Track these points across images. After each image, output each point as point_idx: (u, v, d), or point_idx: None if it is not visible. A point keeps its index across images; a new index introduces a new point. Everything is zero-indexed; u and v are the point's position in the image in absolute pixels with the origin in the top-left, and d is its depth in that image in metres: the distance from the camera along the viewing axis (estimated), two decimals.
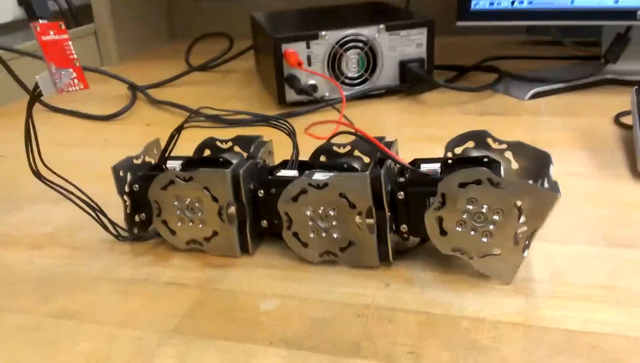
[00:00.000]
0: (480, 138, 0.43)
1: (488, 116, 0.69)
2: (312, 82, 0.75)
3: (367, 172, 0.37)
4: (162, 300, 0.38)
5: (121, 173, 0.43)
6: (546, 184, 0.37)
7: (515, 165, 0.42)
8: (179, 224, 0.42)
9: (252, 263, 0.41)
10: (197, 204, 0.41)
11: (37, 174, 0.41)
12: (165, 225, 0.42)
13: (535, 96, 0.74)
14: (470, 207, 0.36)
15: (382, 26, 0.75)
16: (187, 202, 0.41)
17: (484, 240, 0.36)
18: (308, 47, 0.74)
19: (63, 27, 0.38)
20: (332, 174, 0.38)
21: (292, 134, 0.44)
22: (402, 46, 0.77)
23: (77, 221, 0.47)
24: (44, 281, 0.41)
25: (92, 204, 0.43)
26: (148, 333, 0.35)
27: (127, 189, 0.43)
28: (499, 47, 0.99)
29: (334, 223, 0.39)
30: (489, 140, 0.43)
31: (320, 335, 0.33)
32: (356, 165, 0.43)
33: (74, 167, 0.61)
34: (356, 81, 0.77)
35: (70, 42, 0.38)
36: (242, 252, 0.42)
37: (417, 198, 0.38)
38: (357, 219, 0.38)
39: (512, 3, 0.72)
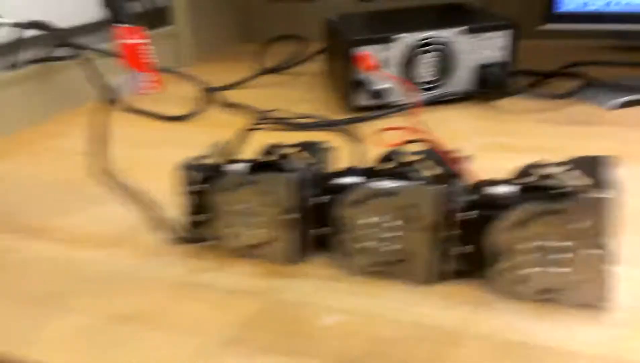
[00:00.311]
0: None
1: (571, 126, 0.64)
2: (385, 86, 0.74)
3: (442, 186, 0.36)
4: (224, 308, 0.37)
5: (187, 173, 0.43)
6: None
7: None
8: (239, 228, 0.42)
9: (318, 274, 0.40)
10: (258, 209, 0.40)
11: (106, 173, 0.41)
12: (226, 228, 0.42)
13: (624, 105, 0.68)
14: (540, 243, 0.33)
15: (462, 28, 0.72)
16: (248, 206, 0.40)
17: (566, 270, 0.33)
18: (383, 49, 0.73)
19: (142, 32, 0.38)
20: (401, 182, 0.37)
21: (357, 140, 0.43)
22: (482, 49, 0.74)
23: (143, 223, 0.48)
24: (108, 282, 0.41)
25: (152, 204, 0.43)
26: (209, 342, 0.34)
27: (191, 189, 0.43)
28: (584, 53, 0.94)
29: (396, 234, 0.37)
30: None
31: (384, 356, 0.32)
32: (424, 175, 0.41)
33: (145, 167, 0.62)
34: (431, 85, 0.75)
35: (149, 46, 0.38)
36: (300, 259, 0.41)
37: (488, 221, 0.35)
38: (421, 233, 0.36)
39: (608, 4, 0.67)
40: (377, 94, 0.71)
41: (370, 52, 0.72)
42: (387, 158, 0.43)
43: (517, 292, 0.35)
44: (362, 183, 0.38)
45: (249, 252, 0.42)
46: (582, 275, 0.33)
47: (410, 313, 0.35)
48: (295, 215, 0.40)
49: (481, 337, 0.33)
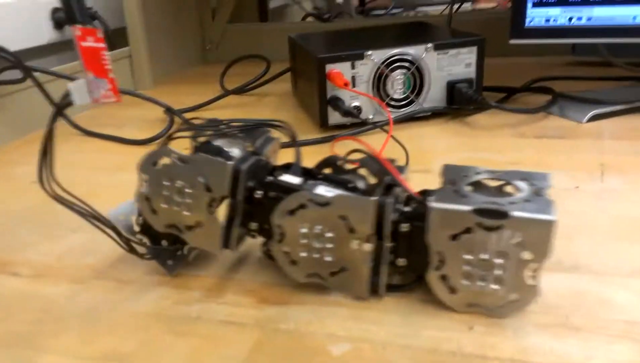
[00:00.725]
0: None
1: (546, 139, 0.65)
2: (355, 103, 0.72)
3: (375, 198, 0.34)
4: (219, 342, 0.34)
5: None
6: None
7: None
8: (163, 205, 0.39)
9: (315, 300, 0.37)
10: (187, 191, 0.38)
11: (55, 197, 0.37)
12: (147, 202, 0.39)
13: (594, 118, 0.69)
14: (469, 257, 0.33)
15: (430, 45, 0.72)
16: (178, 185, 0.38)
17: (496, 287, 0.33)
18: (353, 67, 0.71)
19: (100, 35, 0.35)
20: (336, 192, 0.36)
21: (294, 138, 0.41)
22: (450, 65, 0.74)
23: (120, 252, 0.44)
24: (88, 318, 0.37)
25: (107, 223, 0.39)
26: None
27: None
28: (543, 69, 0.96)
29: (329, 245, 0.36)
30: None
31: None
32: (361, 185, 0.40)
33: (111, 191, 0.58)
34: (402, 103, 0.74)
35: (106, 52, 0.36)
36: (223, 248, 0.39)
37: (422, 232, 0.34)
38: (355, 245, 0.35)
39: (570, 20, 0.69)
40: (352, 112, 0.70)
41: (340, 70, 0.70)
42: (326, 162, 0.43)
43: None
44: (299, 186, 0.37)
45: (168, 231, 0.40)
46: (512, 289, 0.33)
47: (422, 338, 0.33)
48: (226, 203, 0.38)
49: (504, 361, 0.31)
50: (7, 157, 0.73)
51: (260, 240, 0.40)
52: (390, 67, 0.72)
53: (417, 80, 0.73)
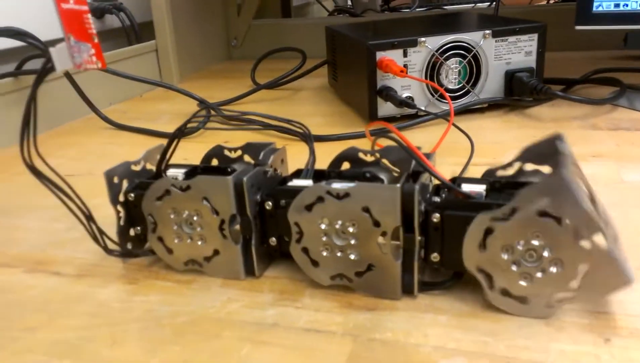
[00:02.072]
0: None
1: (622, 131, 0.59)
2: (407, 94, 0.67)
3: (399, 184, 0.30)
4: (307, 353, 0.29)
5: (115, 180, 0.37)
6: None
7: None
8: (176, 241, 0.36)
9: (411, 306, 0.32)
10: (195, 218, 0.35)
11: (31, 167, 0.33)
12: (161, 242, 0.36)
13: None
14: (535, 243, 0.29)
15: (488, 32, 0.67)
16: (184, 215, 0.35)
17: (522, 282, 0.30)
18: (405, 55, 0.66)
19: None
20: (355, 183, 0.31)
21: (308, 138, 0.37)
22: (509, 53, 0.68)
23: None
24: (147, 324, 0.32)
25: (84, 209, 0.35)
26: None
27: (121, 198, 0.37)
28: (593, 63, 0.90)
29: (352, 242, 0.32)
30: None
31: None
32: (382, 176, 0.35)
33: None
34: (456, 94, 0.69)
35: (89, 15, 0.32)
36: (247, 275, 0.36)
37: (455, 223, 0.31)
38: (381, 239, 0.32)
39: None
40: (406, 102, 0.65)
41: (393, 58, 0.65)
42: (340, 157, 0.38)
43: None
44: (310, 186, 0.33)
45: (187, 269, 0.36)
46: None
47: (553, 353, 0.28)
48: (237, 225, 0.34)
49: None
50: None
51: None
52: (444, 56, 0.67)
53: (473, 69, 0.68)
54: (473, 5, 1.68)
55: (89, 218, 0.35)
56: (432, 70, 0.67)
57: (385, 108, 0.67)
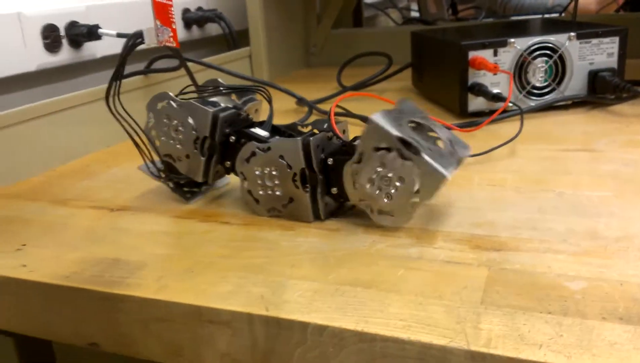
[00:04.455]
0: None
1: None
2: (497, 90, 0.74)
3: (299, 138, 0.43)
4: (451, 276, 0.36)
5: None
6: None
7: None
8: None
9: (530, 248, 0.39)
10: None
11: (113, 111, 0.47)
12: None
13: None
14: (380, 169, 0.41)
15: (573, 34, 0.73)
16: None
17: (385, 200, 0.42)
18: (495, 54, 0.73)
19: None
20: (274, 139, 0.45)
21: (269, 101, 0.51)
22: (592, 54, 0.74)
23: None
24: (314, 256, 0.40)
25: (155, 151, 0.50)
26: (459, 303, 0.33)
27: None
28: None
29: (277, 182, 0.45)
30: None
31: None
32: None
33: None
34: (542, 91, 0.75)
35: (172, 9, 0.46)
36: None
37: (342, 164, 0.43)
38: (293, 179, 0.44)
39: None
40: (498, 96, 0.71)
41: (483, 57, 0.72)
42: (288, 126, 0.51)
43: None
44: (247, 144, 0.46)
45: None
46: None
47: None
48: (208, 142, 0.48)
49: None
50: None
51: None
52: (531, 56, 0.73)
53: (558, 68, 0.74)
54: (541, 15, 1.72)
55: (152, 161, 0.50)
56: (520, 69, 0.74)
57: (475, 103, 0.74)
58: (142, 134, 0.50)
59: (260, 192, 0.46)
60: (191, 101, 0.47)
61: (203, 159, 0.48)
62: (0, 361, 0.52)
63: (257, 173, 0.45)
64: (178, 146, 0.48)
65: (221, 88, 0.53)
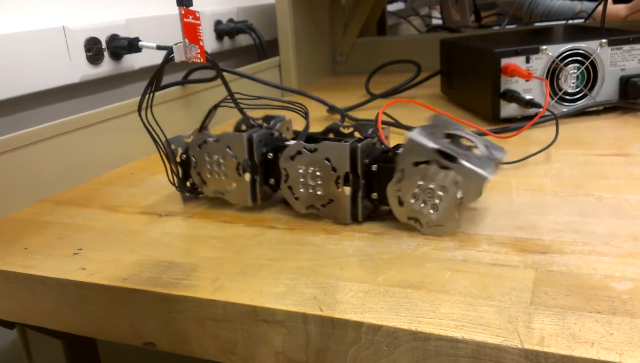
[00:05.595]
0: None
1: None
2: (529, 96, 0.74)
3: (348, 143, 0.45)
4: (498, 278, 0.37)
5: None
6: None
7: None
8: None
9: (574, 250, 0.40)
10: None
11: (143, 120, 0.50)
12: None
13: None
14: (421, 183, 0.43)
15: (604, 40, 0.73)
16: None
17: (431, 211, 0.43)
18: (527, 61, 0.74)
19: (198, 15, 0.49)
20: (322, 142, 0.47)
21: (306, 115, 0.53)
22: (623, 60, 0.75)
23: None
24: (361, 258, 0.41)
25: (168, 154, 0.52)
26: (509, 304, 0.34)
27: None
28: None
29: (319, 182, 0.47)
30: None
31: None
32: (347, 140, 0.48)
33: None
34: (574, 97, 0.75)
35: (200, 27, 0.49)
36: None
37: (386, 172, 0.45)
38: (336, 181, 0.46)
39: None
40: (532, 102, 0.72)
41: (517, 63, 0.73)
42: (328, 129, 0.54)
43: None
44: (295, 143, 0.47)
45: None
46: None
47: None
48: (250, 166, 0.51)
49: None
50: None
51: None
52: (563, 62, 0.74)
53: (590, 74, 0.75)
54: (565, 22, 1.72)
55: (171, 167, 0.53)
56: (552, 75, 0.74)
57: (508, 109, 0.75)
58: (166, 143, 0.53)
59: (301, 190, 0.48)
60: (226, 132, 0.50)
61: (248, 182, 0.50)
62: (50, 362, 0.54)
63: (300, 171, 0.47)
64: (223, 177, 0.51)
65: (261, 105, 0.56)
